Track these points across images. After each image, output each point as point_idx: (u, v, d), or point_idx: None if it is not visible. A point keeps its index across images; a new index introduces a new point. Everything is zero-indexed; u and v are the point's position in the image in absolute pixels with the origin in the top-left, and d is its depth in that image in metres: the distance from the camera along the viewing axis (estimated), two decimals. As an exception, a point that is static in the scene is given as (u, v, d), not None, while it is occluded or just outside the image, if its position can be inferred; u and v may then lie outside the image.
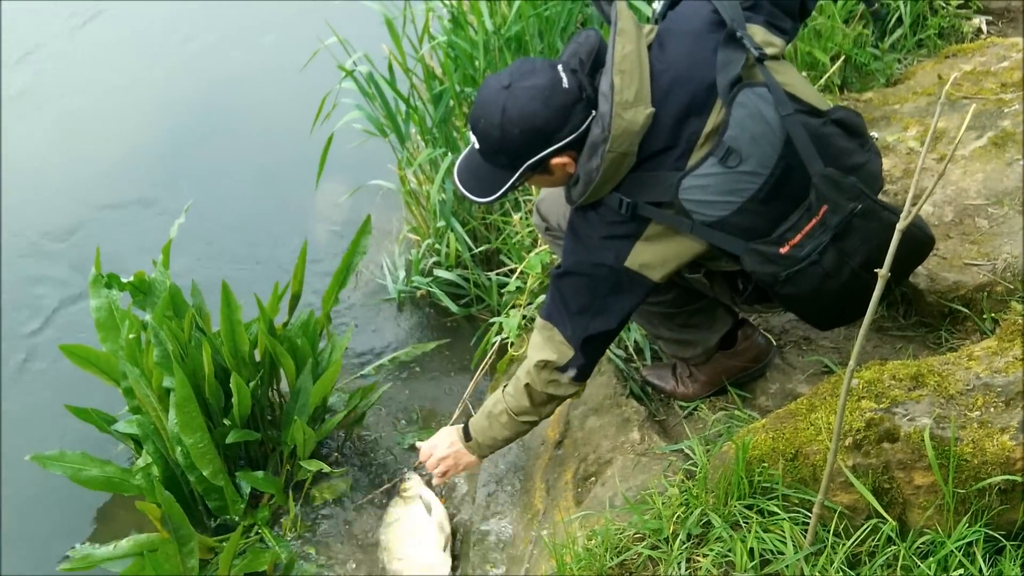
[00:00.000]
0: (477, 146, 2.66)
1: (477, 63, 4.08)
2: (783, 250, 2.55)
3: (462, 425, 3.12)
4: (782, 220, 2.55)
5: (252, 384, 3.49)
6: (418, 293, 4.50)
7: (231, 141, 5.65)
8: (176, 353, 3.35)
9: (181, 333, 3.44)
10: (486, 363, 3.93)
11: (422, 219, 4.54)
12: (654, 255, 2.63)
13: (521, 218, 4.06)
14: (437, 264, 4.45)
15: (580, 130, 2.55)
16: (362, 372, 4.20)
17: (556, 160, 2.61)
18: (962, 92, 3.86)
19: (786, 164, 2.51)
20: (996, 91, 3.83)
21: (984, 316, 3.18)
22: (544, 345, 2.81)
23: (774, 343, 3.35)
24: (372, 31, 4.43)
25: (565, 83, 2.53)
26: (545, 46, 3.97)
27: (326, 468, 3.68)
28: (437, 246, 4.43)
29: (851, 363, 2.05)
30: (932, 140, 3.73)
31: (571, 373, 2.81)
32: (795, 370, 3.32)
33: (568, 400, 3.39)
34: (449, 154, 4.13)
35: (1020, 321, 2.73)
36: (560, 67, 2.56)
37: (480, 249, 4.30)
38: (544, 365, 2.81)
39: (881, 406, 2.47)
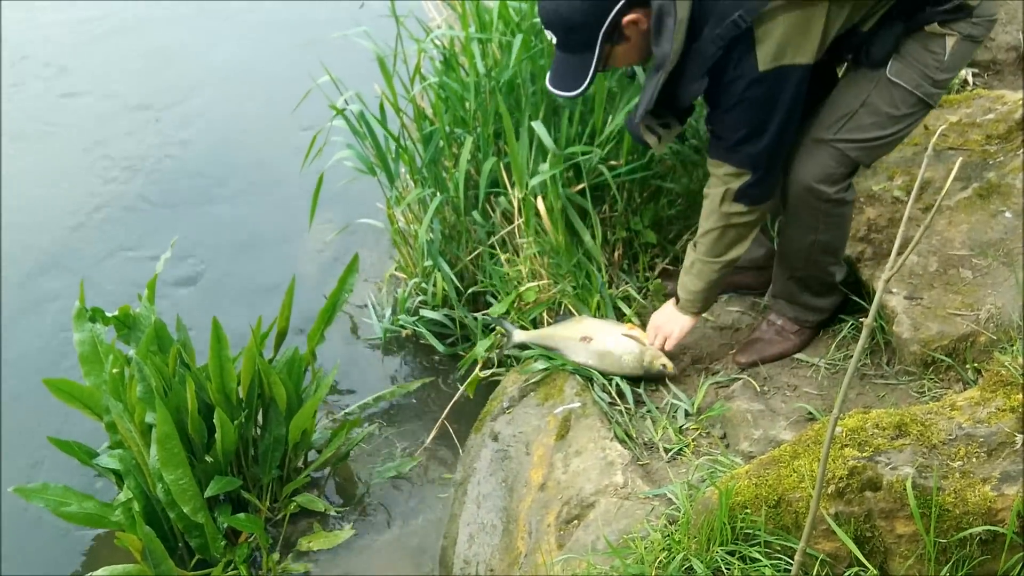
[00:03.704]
0: (555, 40, 2.92)
1: (468, 104, 4.09)
2: None
3: (674, 298, 3.53)
4: None
5: (237, 421, 3.47)
6: (404, 332, 4.50)
7: (222, 178, 5.66)
8: (159, 389, 3.34)
9: (165, 368, 3.43)
10: (463, 389, 3.94)
11: (409, 258, 4.55)
12: (776, 41, 2.84)
13: (509, 259, 4.07)
14: (423, 303, 4.45)
15: None
16: (346, 410, 4.18)
17: (627, 19, 2.85)
18: (948, 143, 3.89)
19: None
20: (982, 143, 3.87)
21: (967, 366, 3.20)
22: (717, 185, 3.14)
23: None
24: (364, 70, 4.45)
25: None
26: (537, 89, 3.99)
27: (322, 505, 3.74)
28: (424, 285, 4.43)
29: (835, 411, 2.05)
30: (918, 190, 3.76)
31: (748, 198, 3.13)
32: (779, 416, 3.32)
33: (553, 442, 3.40)
34: (438, 194, 4.14)
35: (1003, 372, 2.74)
36: None
37: (468, 292, 4.30)
38: (722, 197, 3.13)
39: (864, 454, 2.48)
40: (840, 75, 3.22)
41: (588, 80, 2.92)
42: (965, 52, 3.08)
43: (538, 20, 3.53)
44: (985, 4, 3.01)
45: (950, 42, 3.01)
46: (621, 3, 2.82)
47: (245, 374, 3.57)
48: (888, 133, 3.15)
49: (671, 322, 3.54)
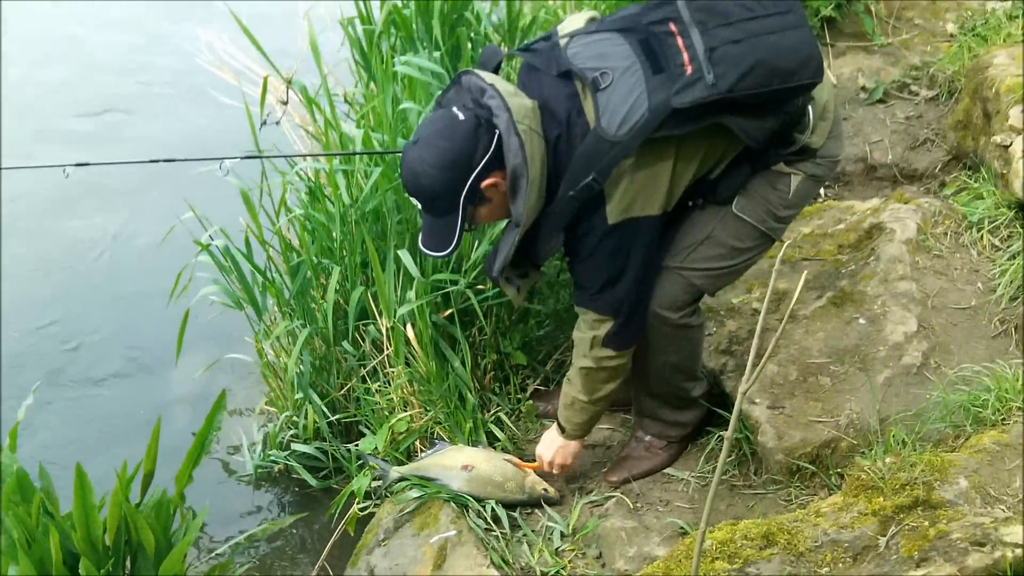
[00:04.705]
0: (420, 206, 3.07)
1: (334, 235, 4.11)
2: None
3: (555, 425, 3.56)
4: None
5: (103, 570, 3.37)
6: (276, 467, 4.42)
7: (86, 316, 5.55)
8: (22, 540, 3.22)
9: (28, 519, 3.32)
10: (342, 526, 3.87)
11: (280, 391, 4.50)
12: (624, 196, 2.97)
13: (380, 388, 4.06)
14: (295, 437, 4.39)
15: (492, 149, 2.93)
16: (217, 551, 4.08)
17: (485, 183, 2.98)
18: (802, 254, 4.02)
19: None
20: (834, 252, 4.01)
21: (830, 472, 3.27)
22: (586, 329, 3.22)
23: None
24: (229, 204, 4.45)
25: (461, 116, 2.95)
26: (403, 218, 4.03)
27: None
28: (295, 418, 4.38)
29: (702, 525, 2.09)
30: (774, 301, 3.88)
31: (615, 344, 3.22)
32: (652, 532, 3.35)
33: (429, 573, 3.37)
34: (306, 326, 4.13)
35: (863, 476, 2.81)
36: (454, 107, 2.99)
37: (338, 418, 4.26)
38: (591, 343, 3.22)
39: (734, 566, 2.51)
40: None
41: (456, 241, 3.04)
42: (809, 190, 3.25)
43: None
44: (828, 145, 3.18)
45: (795, 181, 3.17)
46: (478, 170, 2.94)
47: (111, 520, 3.46)
48: (731, 264, 3.28)
49: (557, 449, 3.58)
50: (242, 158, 3.75)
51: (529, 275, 3.28)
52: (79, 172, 3.67)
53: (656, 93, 2.85)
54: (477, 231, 3.93)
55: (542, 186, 2.97)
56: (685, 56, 2.85)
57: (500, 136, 2.92)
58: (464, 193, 2.96)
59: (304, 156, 4.54)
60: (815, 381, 3.52)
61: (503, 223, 3.35)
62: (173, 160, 3.76)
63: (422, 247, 3.13)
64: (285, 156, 4.38)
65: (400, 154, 3.10)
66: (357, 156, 4.09)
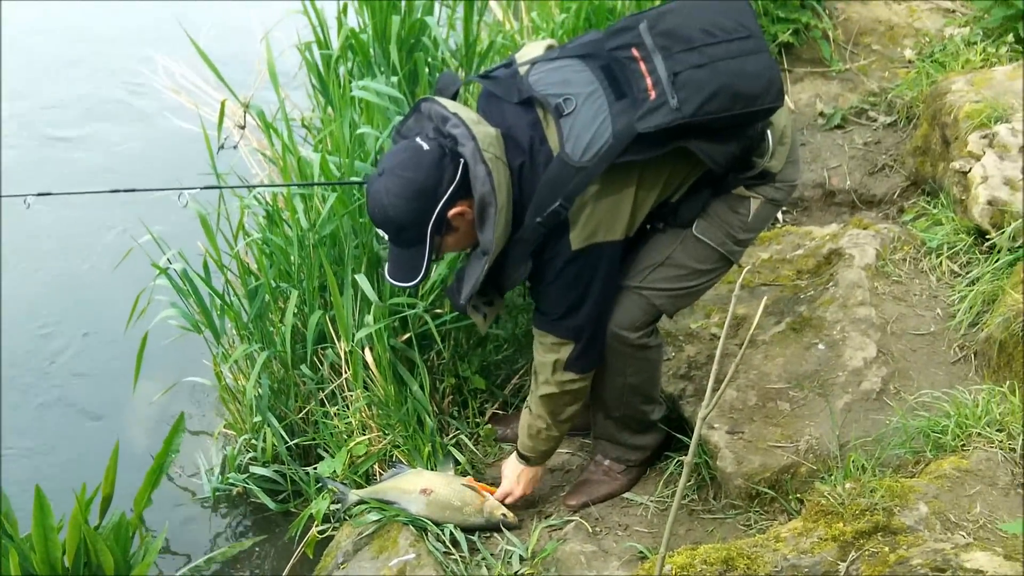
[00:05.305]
0: (387, 237, 3.05)
1: (292, 259, 4.09)
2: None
3: (515, 454, 3.57)
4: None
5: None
6: (234, 491, 4.38)
7: (43, 340, 5.50)
8: (-22, 565, 3.20)
9: (-14, 542, 3.30)
10: (301, 549, 3.85)
11: (238, 415, 4.46)
12: (588, 222, 2.99)
13: (338, 412, 4.04)
14: (253, 460, 4.35)
15: (458, 178, 2.94)
16: (177, 573, 4.03)
17: (452, 212, 2.99)
18: (761, 279, 4.03)
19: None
20: (793, 278, 4.02)
21: (790, 497, 3.27)
22: (545, 352, 3.22)
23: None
24: (187, 228, 4.42)
25: (425, 146, 2.95)
26: (360, 242, 4.01)
27: None
28: (254, 442, 4.34)
29: (661, 550, 2.07)
30: (733, 326, 3.88)
31: (577, 367, 3.23)
32: (611, 557, 3.34)
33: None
34: (264, 349, 4.10)
35: (823, 501, 2.81)
36: (418, 137, 3.00)
37: (297, 442, 4.23)
38: (554, 368, 3.22)
39: (693, 592, 2.50)
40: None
41: (423, 271, 3.05)
42: (768, 214, 3.30)
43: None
44: (787, 170, 3.22)
45: (754, 204, 3.20)
46: (444, 199, 2.95)
47: (70, 542, 3.43)
48: (691, 285, 3.30)
49: (525, 480, 3.60)
50: (202, 188, 3.71)
51: (494, 303, 3.28)
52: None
53: (620, 118, 2.87)
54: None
55: (509, 213, 2.97)
56: (648, 81, 2.87)
57: (465, 165, 2.93)
58: (431, 223, 2.96)
59: (265, 187, 4.51)
60: (774, 406, 3.52)
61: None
62: (134, 190, 3.73)
63: (389, 278, 3.13)
64: (246, 187, 4.34)
65: (361, 183, 3.08)
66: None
